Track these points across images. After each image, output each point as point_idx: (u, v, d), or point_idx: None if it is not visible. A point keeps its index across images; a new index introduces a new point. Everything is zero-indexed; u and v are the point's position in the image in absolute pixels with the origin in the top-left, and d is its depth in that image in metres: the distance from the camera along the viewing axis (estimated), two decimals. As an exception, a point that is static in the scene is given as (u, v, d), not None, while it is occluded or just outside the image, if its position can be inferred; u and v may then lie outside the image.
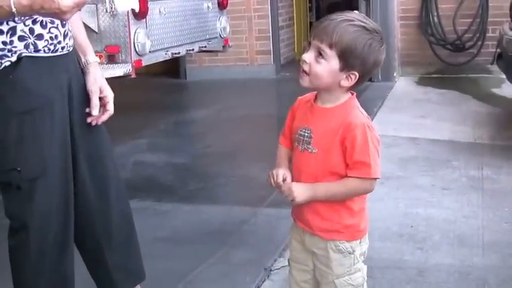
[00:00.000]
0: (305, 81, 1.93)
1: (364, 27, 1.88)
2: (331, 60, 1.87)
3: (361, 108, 1.97)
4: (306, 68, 1.91)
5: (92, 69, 2.22)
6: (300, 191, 1.93)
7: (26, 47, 1.96)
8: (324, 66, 1.88)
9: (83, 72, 2.23)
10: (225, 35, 6.39)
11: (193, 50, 5.96)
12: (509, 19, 5.88)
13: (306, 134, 1.97)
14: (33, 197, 2.04)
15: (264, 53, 8.56)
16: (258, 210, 3.86)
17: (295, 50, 9.87)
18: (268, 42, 8.53)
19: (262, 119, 6.31)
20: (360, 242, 2.02)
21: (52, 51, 2.05)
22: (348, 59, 1.87)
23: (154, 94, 7.90)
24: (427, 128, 5.70)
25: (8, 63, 1.92)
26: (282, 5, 9.16)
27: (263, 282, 3.02)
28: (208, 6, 6.08)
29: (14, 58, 1.93)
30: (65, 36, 2.07)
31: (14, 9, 1.80)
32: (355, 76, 1.90)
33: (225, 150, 5.27)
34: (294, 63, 9.31)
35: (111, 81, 5.35)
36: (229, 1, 6.48)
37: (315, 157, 1.95)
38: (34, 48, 1.98)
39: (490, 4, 7.85)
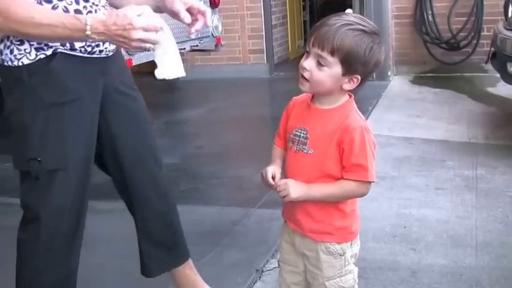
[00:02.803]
0: (306, 87, 1.92)
1: (364, 30, 1.87)
2: (333, 67, 1.87)
3: (358, 111, 1.97)
4: (306, 75, 1.89)
5: None
6: (295, 188, 1.91)
7: (63, 44, 2.00)
8: (326, 72, 1.87)
9: (161, 8, 2.23)
10: (217, 34, 6.36)
11: (184, 49, 5.93)
12: (503, 17, 5.87)
13: (302, 135, 1.96)
14: (50, 189, 2.06)
15: (257, 52, 8.53)
16: (250, 211, 3.85)
17: (289, 49, 9.85)
18: (261, 41, 8.51)
19: (255, 119, 6.29)
20: (351, 244, 2.02)
21: (88, 53, 2.08)
22: (350, 64, 1.86)
23: (145, 94, 7.74)
24: (421, 127, 5.70)
25: (42, 56, 1.97)
26: (275, 4, 9.13)
27: (255, 283, 3.01)
28: (200, 5, 6.04)
29: (49, 52, 1.97)
30: (104, 41, 2.07)
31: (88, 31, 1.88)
32: (357, 79, 1.90)
33: (217, 150, 5.25)
34: (288, 63, 9.29)
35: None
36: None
37: (310, 158, 1.94)
38: (70, 47, 2.01)
39: (485, 3, 7.85)
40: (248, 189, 4.14)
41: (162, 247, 2.53)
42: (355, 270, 2.05)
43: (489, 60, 5.91)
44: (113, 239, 3.46)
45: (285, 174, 1.99)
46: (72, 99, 2.04)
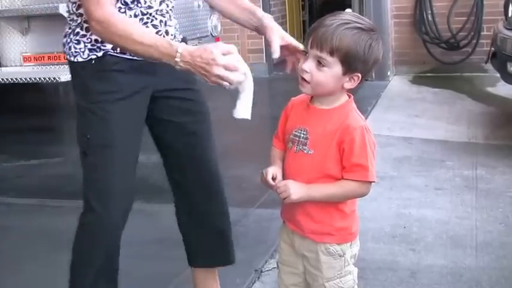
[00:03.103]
0: (307, 89, 1.93)
1: (361, 28, 1.88)
2: (333, 67, 1.87)
3: (357, 111, 1.98)
4: (307, 77, 1.90)
5: (267, 22, 2.35)
6: (296, 189, 1.90)
7: (114, 48, 2.19)
8: (326, 73, 1.88)
9: (259, 31, 2.38)
10: (216, 34, 6.35)
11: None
12: (503, 17, 5.87)
13: (302, 135, 1.95)
14: (97, 165, 2.24)
15: (256, 51, 8.52)
16: (249, 211, 3.85)
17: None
18: (261, 41, 8.47)
19: (254, 119, 6.23)
20: (351, 245, 2.01)
21: (138, 56, 2.19)
22: (350, 63, 1.87)
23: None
24: (421, 127, 5.72)
25: (94, 56, 2.20)
26: (274, 3, 9.12)
27: (253, 283, 3.02)
28: (198, 5, 6.04)
29: (100, 54, 2.20)
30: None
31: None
32: (357, 77, 1.91)
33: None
34: (286, 63, 9.27)
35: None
36: (220, -1, 6.44)
37: (310, 158, 1.93)
38: (121, 51, 2.19)
39: (484, 2, 7.86)
40: (247, 189, 4.14)
41: (226, 239, 2.65)
42: (355, 271, 2.04)
43: (489, 60, 5.92)
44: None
45: (284, 175, 1.98)
46: (116, 91, 2.22)
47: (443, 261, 3.15)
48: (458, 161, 4.66)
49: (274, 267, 3.01)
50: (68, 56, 2.26)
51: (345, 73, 1.88)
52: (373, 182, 1.92)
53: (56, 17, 5.90)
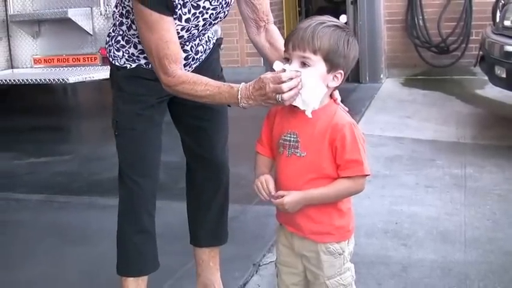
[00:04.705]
0: None
1: (337, 26, 1.93)
2: (317, 66, 1.90)
3: (343, 110, 2.01)
4: None
5: None
6: (293, 205, 1.93)
7: (146, 64, 2.44)
8: (312, 72, 1.91)
9: None
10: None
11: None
12: (491, 22, 5.96)
13: (292, 139, 1.97)
14: (124, 143, 2.54)
15: (254, 55, 8.56)
16: (246, 207, 3.89)
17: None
18: (259, 46, 8.55)
19: (250, 119, 6.32)
20: (348, 242, 2.04)
21: None
22: (333, 59, 1.90)
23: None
24: (412, 128, 5.76)
25: (128, 66, 2.48)
26: (272, 8, 9.14)
27: (252, 276, 3.07)
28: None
29: (134, 65, 2.48)
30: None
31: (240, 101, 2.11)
32: (341, 75, 1.93)
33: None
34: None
35: (105, 82, 5.36)
36: (220, 4, 6.51)
37: (303, 160, 1.95)
38: (151, 67, 2.37)
39: (473, 8, 7.92)
40: (245, 186, 4.13)
41: (224, 223, 2.92)
42: (352, 267, 2.06)
43: (477, 64, 5.95)
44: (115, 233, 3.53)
45: (278, 180, 1.99)
46: (140, 93, 2.49)
47: (434, 255, 3.20)
48: (447, 160, 4.71)
49: (271, 261, 3.04)
50: (108, 56, 2.55)
51: (329, 71, 1.90)
52: (369, 175, 1.93)
53: (65, 21, 5.99)
